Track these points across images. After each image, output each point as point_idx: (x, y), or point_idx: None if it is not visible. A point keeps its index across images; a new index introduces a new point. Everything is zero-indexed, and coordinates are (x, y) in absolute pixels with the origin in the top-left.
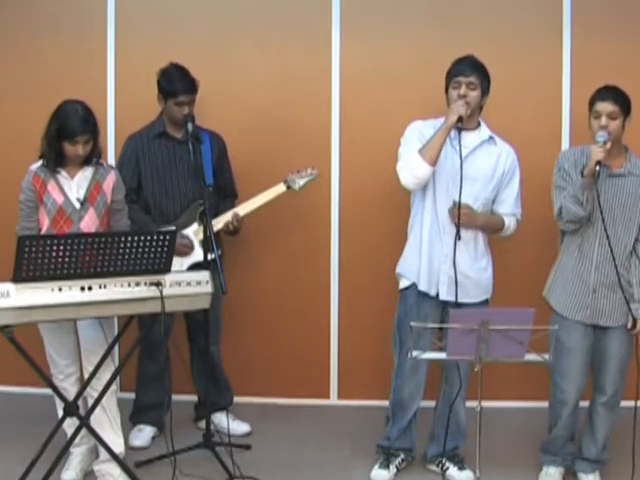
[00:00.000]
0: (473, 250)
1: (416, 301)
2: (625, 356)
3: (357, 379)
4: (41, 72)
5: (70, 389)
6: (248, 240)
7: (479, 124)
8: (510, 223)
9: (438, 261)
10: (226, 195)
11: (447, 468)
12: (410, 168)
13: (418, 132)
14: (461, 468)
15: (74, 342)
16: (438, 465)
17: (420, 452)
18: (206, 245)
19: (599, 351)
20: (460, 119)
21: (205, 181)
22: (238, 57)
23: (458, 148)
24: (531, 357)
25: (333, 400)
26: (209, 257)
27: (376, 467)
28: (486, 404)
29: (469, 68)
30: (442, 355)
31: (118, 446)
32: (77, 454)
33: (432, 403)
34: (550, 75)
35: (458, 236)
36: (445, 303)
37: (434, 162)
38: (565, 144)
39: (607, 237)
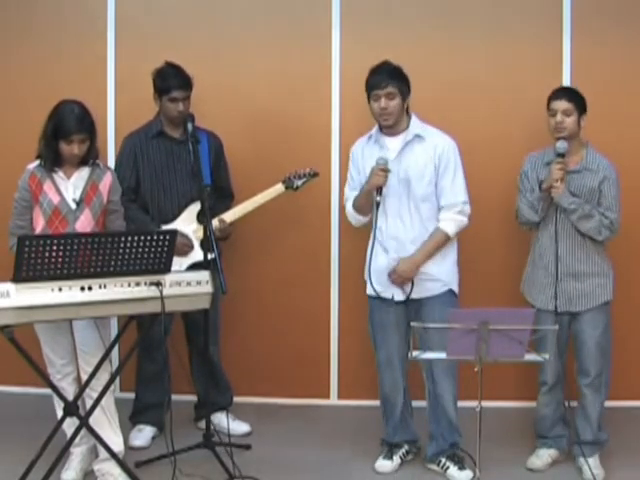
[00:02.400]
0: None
1: (376, 300)
2: (601, 337)
3: (357, 379)
4: (41, 72)
5: (67, 388)
6: (248, 239)
7: (408, 125)
8: (451, 225)
9: (387, 264)
10: (223, 195)
11: (447, 467)
12: (349, 217)
13: (352, 161)
14: (461, 468)
15: (70, 342)
16: (438, 464)
17: (424, 452)
18: (206, 245)
19: (576, 336)
20: (379, 189)
21: (201, 180)
22: (238, 57)
23: (386, 155)
24: (531, 357)
25: (333, 400)
26: (209, 257)
27: (380, 458)
28: (486, 404)
29: (385, 79)
30: (442, 355)
31: (117, 445)
32: (77, 454)
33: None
34: (550, 75)
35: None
36: (405, 302)
37: (367, 213)
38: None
39: (556, 233)
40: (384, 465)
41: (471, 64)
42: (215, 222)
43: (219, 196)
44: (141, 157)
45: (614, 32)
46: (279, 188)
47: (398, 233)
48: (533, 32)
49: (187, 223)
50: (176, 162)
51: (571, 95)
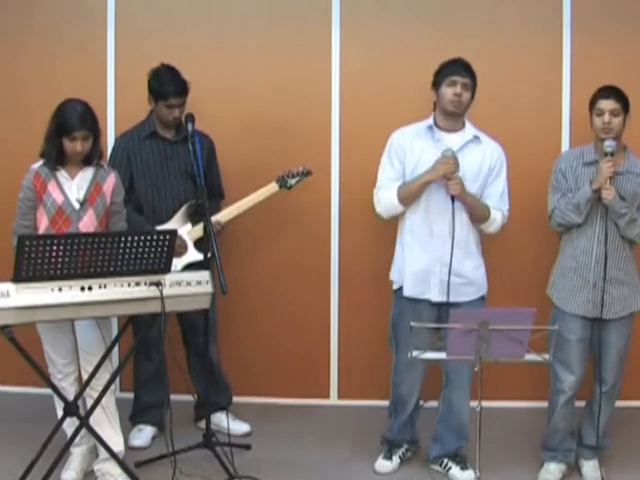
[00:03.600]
0: (464, 250)
1: (410, 302)
2: (623, 348)
3: (357, 379)
4: (41, 72)
5: (68, 388)
6: (249, 239)
7: (464, 125)
8: (496, 216)
9: (428, 264)
10: (213, 195)
11: (450, 468)
12: (386, 207)
13: (394, 150)
14: (463, 468)
15: (72, 341)
16: (441, 465)
17: (423, 452)
18: (202, 245)
19: (600, 343)
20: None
21: (200, 181)
22: (238, 58)
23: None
24: (531, 357)
25: (333, 400)
26: (208, 256)
27: (380, 458)
28: (486, 404)
29: (464, 69)
30: (442, 355)
31: (118, 445)
32: (77, 454)
33: (435, 404)
34: (550, 75)
35: (453, 207)
36: (439, 304)
37: (411, 204)
38: (565, 144)
39: (605, 237)
40: (384, 465)
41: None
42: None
43: (210, 196)
44: (134, 158)
45: (614, 31)
46: (273, 187)
47: (444, 232)
48: (533, 32)
49: (181, 224)
50: (169, 163)
51: (619, 95)
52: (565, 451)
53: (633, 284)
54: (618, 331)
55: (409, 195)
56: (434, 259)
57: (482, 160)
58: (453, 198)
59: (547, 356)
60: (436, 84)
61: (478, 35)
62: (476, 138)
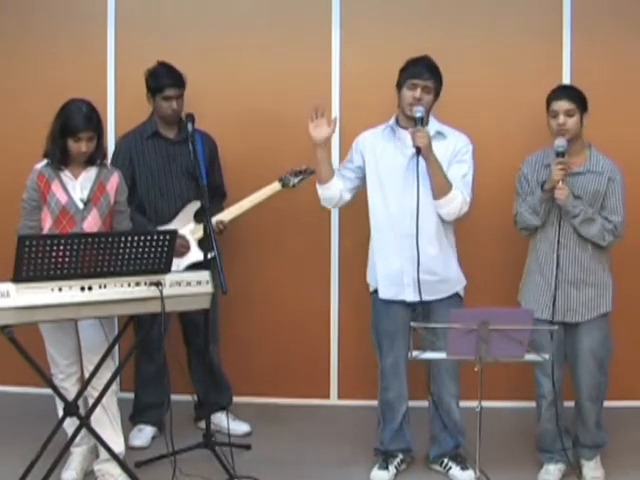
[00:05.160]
0: (437, 246)
1: (384, 305)
2: (599, 349)
3: (357, 379)
4: (41, 73)
5: (71, 389)
6: (248, 239)
7: (427, 123)
8: (456, 194)
9: (400, 265)
10: (216, 195)
11: (450, 468)
12: (330, 192)
13: (358, 153)
14: (463, 468)
15: (75, 342)
16: (441, 465)
17: (422, 453)
18: (205, 244)
19: (572, 348)
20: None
21: (201, 181)
22: (238, 58)
23: (403, 149)
24: (531, 357)
25: (333, 400)
26: (208, 256)
27: (375, 468)
28: (485, 404)
29: (427, 71)
30: (442, 355)
31: (118, 445)
32: (77, 454)
33: (425, 403)
34: (550, 74)
35: (417, 155)
36: (414, 304)
37: (322, 181)
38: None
39: (558, 238)
40: (380, 476)
41: (471, 64)
42: (214, 224)
43: (212, 196)
44: (136, 158)
45: (614, 31)
46: (276, 186)
47: (413, 231)
48: (533, 32)
49: (184, 223)
50: (171, 163)
51: (572, 94)
52: (561, 451)
53: (602, 285)
54: (590, 333)
55: (317, 171)
56: (404, 258)
57: (444, 154)
58: (418, 152)
59: (547, 356)
60: (398, 84)
61: (478, 35)
62: (439, 134)
